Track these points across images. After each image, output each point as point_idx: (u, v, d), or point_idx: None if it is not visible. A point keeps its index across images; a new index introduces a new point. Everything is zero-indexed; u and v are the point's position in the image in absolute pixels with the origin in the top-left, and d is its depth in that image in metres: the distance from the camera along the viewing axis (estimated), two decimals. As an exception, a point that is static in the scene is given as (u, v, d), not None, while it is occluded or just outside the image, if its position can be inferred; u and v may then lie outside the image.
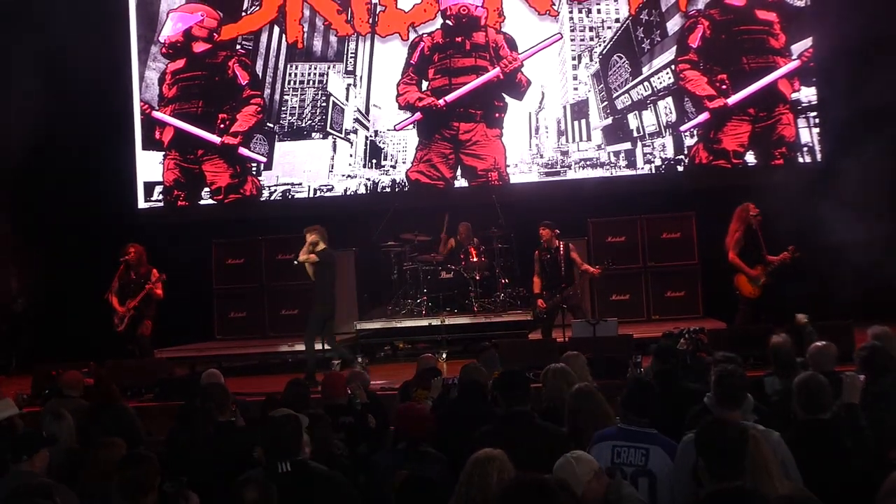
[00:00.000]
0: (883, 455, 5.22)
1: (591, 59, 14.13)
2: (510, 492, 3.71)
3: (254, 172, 14.83)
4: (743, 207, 11.11)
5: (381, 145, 14.59)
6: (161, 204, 15.05)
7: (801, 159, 13.52)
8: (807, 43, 13.44)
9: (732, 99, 13.55)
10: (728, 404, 5.17)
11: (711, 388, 5.32)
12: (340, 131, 14.68)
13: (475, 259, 13.04)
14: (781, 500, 3.92)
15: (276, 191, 14.78)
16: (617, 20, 14.09)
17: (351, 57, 14.73)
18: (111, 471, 4.79)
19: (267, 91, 14.90)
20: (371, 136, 14.61)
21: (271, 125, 14.85)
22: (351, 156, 14.63)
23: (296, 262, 11.42)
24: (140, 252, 11.82)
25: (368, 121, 14.64)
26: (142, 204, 15.06)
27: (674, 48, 13.88)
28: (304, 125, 14.81)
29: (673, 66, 13.85)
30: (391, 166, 14.54)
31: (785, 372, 6.92)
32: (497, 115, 14.23)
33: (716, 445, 4.13)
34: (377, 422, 7.02)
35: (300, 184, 14.72)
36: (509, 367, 6.58)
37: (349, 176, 14.61)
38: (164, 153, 15.05)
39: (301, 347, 11.86)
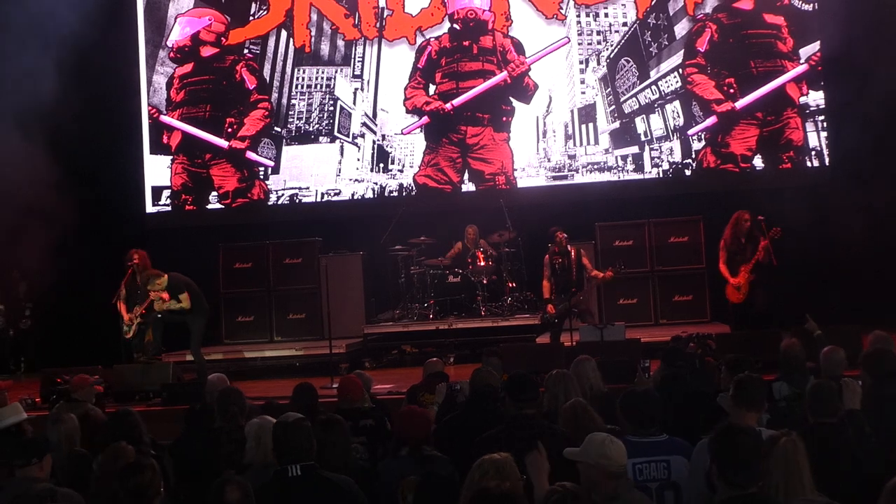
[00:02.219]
0: (889, 459, 5.20)
1: (599, 63, 14.12)
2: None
3: (261, 176, 14.85)
4: (737, 214, 11.25)
5: (389, 149, 14.59)
6: (169, 208, 15.06)
7: (809, 163, 13.49)
8: (815, 47, 13.40)
9: (740, 103, 13.51)
10: (749, 406, 5.15)
11: (731, 391, 5.29)
12: (348, 135, 14.69)
13: (482, 263, 13.04)
14: None
15: (283, 195, 14.79)
16: (624, 24, 14.07)
17: (358, 61, 14.74)
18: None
19: (274, 95, 14.91)
20: (378, 140, 14.62)
21: (279, 129, 14.86)
22: (358, 160, 14.64)
23: (159, 315, 11.60)
24: (144, 256, 11.86)
25: (376, 125, 14.64)
26: (150, 208, 15.08)
27: (681, 52, 13.86)
28: (311, 129, 14.82)
29: (680, 70, 13.83)
30: (398, 170, 14.54)
31: (794, 377, 6.90)
32: (504, 118, 14.23)
33: (730, 452, 4.07)
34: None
35: (307, 188, 14.73)
36: (514, 371, 6.56)
37: (356, 180, 14.61)
38: (171, 157, 15.06)
39: (314, 351, 12.11)
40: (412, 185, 14.45)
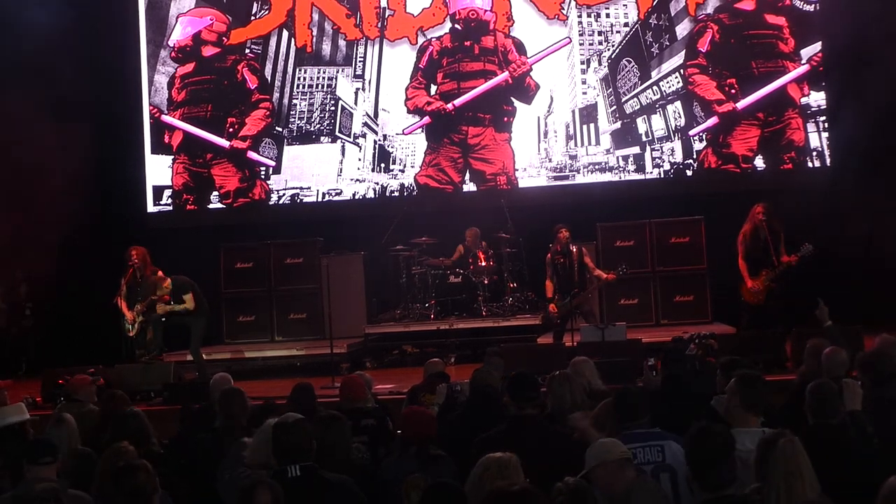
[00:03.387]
0: (891, 461, 5.19)
1: (600, 64, 14.12)
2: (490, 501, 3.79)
3: (262, 176, 14.84)
4: (752, 208, 11.19)
5: (390, 149, 14.59)
6: (170, 208, 15.06)
7: (810, 164, 13.49)
8: (816, 47, 13.39)
9: (741, 103, 13.50)
10: (752, 408, 5.15)
11: (735, 390, 5.27)
12: (349, 135, 14.68)
13: (483, 263, 13.03)
14: None
15: (284, 195, 14.79)
16: (626, 24, 14.07)
17: (360, 61, 14.74)
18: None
19: (276, 95, 14.91)
20: (379, 140, 14.62)
21: (280, 129, 14.86)
22: (359, 160, 14.63)
23: (163, 319, 11.68)
24: (142, 254, 11.85)
25: (377, 125, 14.64)
26: (151, 208, 15.08)
27: (683, 52, 13.85)
28: (312, 129, 14.82)
29: (682, 71, 13.82)
30: (400, 170, 14.54)
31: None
32: (506, 119, 14.22)
33: (700, 453, 4.09)
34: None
35: (309, 188, 14.73)
36: (517, 371, 6.56)
37: (358, 180, 14.61)
38: (173, 157, 15.05)
39: (315, 351, 12.22)
40: (413, 185, 14.45)
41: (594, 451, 4.61)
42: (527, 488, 3.82)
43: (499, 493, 3.81)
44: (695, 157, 13.76)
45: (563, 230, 11.70)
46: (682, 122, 13.81)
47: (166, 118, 15.10)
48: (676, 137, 13.84)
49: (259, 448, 5.39)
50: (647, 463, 4.99)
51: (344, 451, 5.48)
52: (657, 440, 5.06)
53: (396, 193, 14.49)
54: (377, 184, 14.55)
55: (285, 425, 4.99)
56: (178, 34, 15.17)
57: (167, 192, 15.07)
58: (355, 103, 14.70)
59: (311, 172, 14.76)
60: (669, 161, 13.84)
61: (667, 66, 13.91)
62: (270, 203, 14.81)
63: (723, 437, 4.16)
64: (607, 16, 14.12)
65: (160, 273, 11.64)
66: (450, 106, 14.27)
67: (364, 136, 14.65)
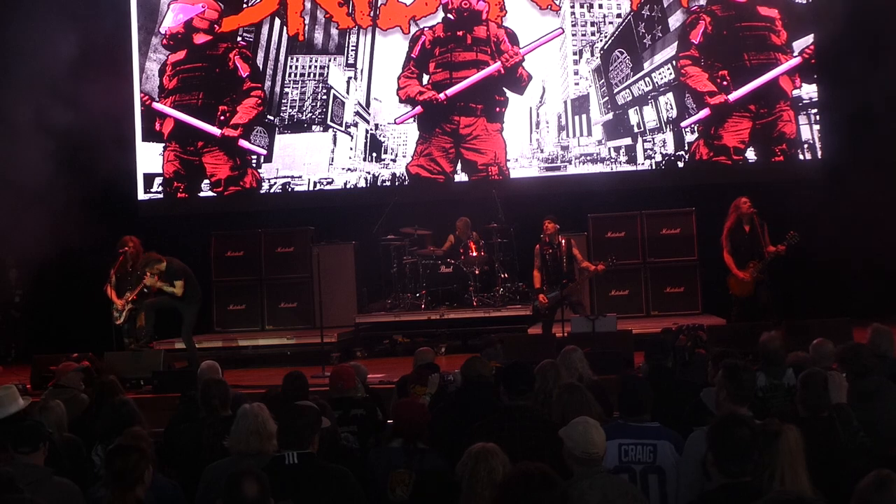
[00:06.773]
0: (879, 454, 5.21)
1: (593, 55, 14.11)
2: (513, 481, 3.73)
3: (254, 165, 14.82)
4: (735, 201, 11.19)
5: (382, 139, 14.57)
6: (161, 196, 15.02)
7: (801, 156, 13.51)
8: (808, 40, 13.41)
9: (733, 95, 13.52)
10: (740, 399, 5.16)
11: (722, 383, 5.28)
12: (341, 124, 14.66)
13: (474, 254, 13.03)
14: (792, 501, 3.89)
15: (275, 183, 14.77)
16: (618, 15, 14.06)
17: (352, 50, 14.71)
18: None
19: (267, 83, 14.87)
20: (371, 129, 14.60)
21: (272, 118, 14.83)
22: (351, 149, 14.62)
23: (145, 290, 11.58)
24: (138, 244, 11.84)
25: (369, 114, 14.62)
26: (142, 195, 15.04)
27: (675, 44, 13.85)
28: (304, 118, 14.79)
29: (674, 62, 13.83)
30: (391, 160, 14.52)
31: (772, 369, 6.92)
32: (498, 109, 14.21)
33: (729, 442, 4.10)
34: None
35: (300, 177, 14.71)
36: (511, 361, 6.56)
37: (349, 169, 14.59)
38: (164, 145, 15.02)
39: (305, 340, 12.35)
40: (405, 174, 14.44)
41: (568, 427, 4.62)
42: (545, 470, 3.77)
43: (522, 474, 3.75)
44: (686, 148, 13.77)
45: (548, 222, 11.73)
46: (674, 113, 13.82)
47: (157, 106, 15.05)
48: (668, 129, 13.85)
49: (240, 436, 5.37)
50: (638, 462, 5.00)
51: (331, 440, 5.48)
52: (652, 439, 5.05)
53: (388, 183, 14.48)
54: (369, 173, 14.54)
55: (288, 411, 4.99)
56: (170, 21, 15.11)
57: (158, 180, 15.03)
58: (347, 92, 14.68)
59: (303, 161, 14.73)
60: (661, 152, 13.85)
61: (659, 58, 13.92)
62: (262, 192, 14.79)
63: (751, 429, 4.18)
64: (600, 6, 14.12)
65: (157, 255, 11.57)
66: (442, 96, 14.26)
67: (356, 125, 14.63)
